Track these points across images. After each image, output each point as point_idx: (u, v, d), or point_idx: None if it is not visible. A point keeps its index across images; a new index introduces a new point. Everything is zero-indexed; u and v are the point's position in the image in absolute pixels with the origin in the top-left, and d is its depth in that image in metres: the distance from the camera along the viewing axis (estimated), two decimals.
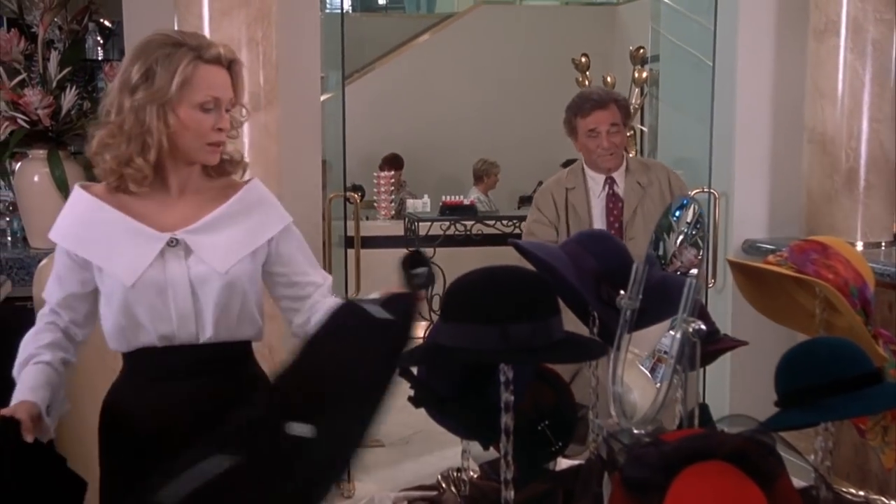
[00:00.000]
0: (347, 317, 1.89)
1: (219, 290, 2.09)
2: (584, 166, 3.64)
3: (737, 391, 4.30)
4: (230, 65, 2.10)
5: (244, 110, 2.21)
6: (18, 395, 2.05)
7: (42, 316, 2.18)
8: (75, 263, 2.12)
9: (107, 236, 2.08)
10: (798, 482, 1.69)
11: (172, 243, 2.07)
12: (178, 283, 2.06)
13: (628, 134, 7.38)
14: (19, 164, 4.00)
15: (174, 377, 2.11)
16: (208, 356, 2.12)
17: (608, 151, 3.54)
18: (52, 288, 2.17)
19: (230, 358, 2.16)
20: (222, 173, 2.18)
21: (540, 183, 4.28)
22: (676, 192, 3.54)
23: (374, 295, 1.95)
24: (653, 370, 1.95)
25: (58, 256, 2.15)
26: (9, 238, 4.20)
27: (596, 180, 3.61)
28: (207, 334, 2.10)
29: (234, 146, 2.21)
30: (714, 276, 4.35)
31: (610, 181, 3.59)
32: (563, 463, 2.13)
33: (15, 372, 2.12)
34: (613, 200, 3.58)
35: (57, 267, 2.16)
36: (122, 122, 2.03)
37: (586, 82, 7.56)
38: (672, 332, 1.79)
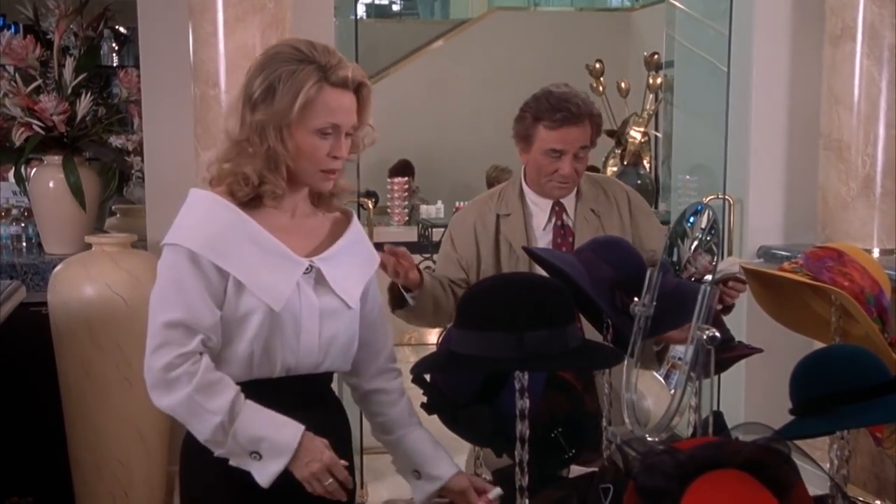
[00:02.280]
0: None
1: (345, 323, 1.97)
2: (524, 187, 2.80)
3: (751, 399, 4.27)
4: (358, 88, 1.91)
5: (374, 133, 2.00)
6: (285, 425, 1.84)
7: (191, 351, 1.82)
8: (221, 279, 1.85)
9: (250, 253, 1.86)
10: (814, 491, 1.67)
11: (308, 270, 1.91)
12: (309, 313, 1.91)
13: (642, 140, 7.39)
14: (34, 170, 4.02)
15: (291, 407, 1.88)
16: (319, 386, 2.01)
17: (569, 180, 2.71)
18: (199, 308, 1.83)
19: (328, 386, 2.06)
20: (329, 207, 2.02)
21: None
22: (640, 217, 2.80)
23: None
24: (667, 377, 1.94)
25: (192, 271, 1.84)
26: (24, 244, 4.22)
27: (540, 207, 2.78)
28: (326, 366, 1.98)
29: (348, 182, 2.04)
30: None
31: (559, 209, 2.78)
32: (577, 470, 2.12)
33: (226, 406, 1.82)
34: (563, 235, 2.76)
35: (197, 283, 1.84)
36: (246, 138, 1.86)
37: (600, 88, 7.56)
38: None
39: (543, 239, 2.77)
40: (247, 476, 1.85)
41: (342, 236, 1.99)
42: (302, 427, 1.85)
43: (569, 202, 2.78)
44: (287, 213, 1.95)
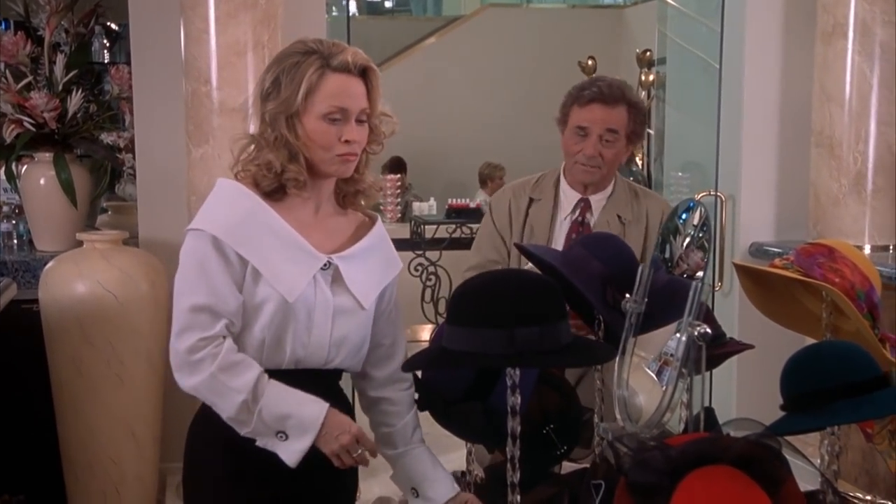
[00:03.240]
0: None
1: (358, 323, 1.98)
2: (562, 175, 2.81)
3: (743, 395, 4.28)
4: (364, 72, 1.93)
5: (392, 120, 2.01)
6: (310, 402, 1.87)
7: (215, 335, 1.85)
8: (241, 265, 1.88)
9: (269, 243, 1.89)
10: (805, 486, 1.68)
11: (326, 266, 1.93)
12: (322, 309, 1.92)
13: None
14: (25, 167, 4.00)
15: None
16: (327, 382, 2.00)
17: (591, 162, 2.68)
18: (223, 293, 1.86)
19: (336, 382, 2.06)
20: (355, 206, 2.05)
21: None
22: None
23: None
24: (659, 373, 1.94)
25: (216, 256, 1.86)
26: (15, 241, 4.21)
27: (569, 197, 2.77)
28: (335, 363, 1.98)
29: (376, 179, 2.07)
30: (721, 280, 4.34)
31: (583, 205, 2.75)
32: (569, 466, 2.12)
33: (250, 385, 1.84)
34: (579, 231, 2.73)
35: (221, 268, 1.87)
36: (263, 131, 1.92)
37: None
38: (678, 336, 1.78)
39: (562, 231, 2.75)
40: (249, 458, 1.88)
41: (364, 237, 2.00)
42: (326, 403, 1.87)
43: (597, 202, 2.75)
44: (311, 209, 1.97)
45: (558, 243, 2.73)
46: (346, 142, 1.91)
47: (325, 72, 1.89)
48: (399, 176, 8.65)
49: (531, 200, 2.79)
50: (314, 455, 1.87)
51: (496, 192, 3.00)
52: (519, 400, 1.74)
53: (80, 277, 3.44)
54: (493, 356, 1.68)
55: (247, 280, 1.88)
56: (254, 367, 1.86)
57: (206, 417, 1.93)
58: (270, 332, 1.90)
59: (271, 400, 1.84)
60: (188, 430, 2.02)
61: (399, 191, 8.51)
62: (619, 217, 2.72)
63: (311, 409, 1.86)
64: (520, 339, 1.66)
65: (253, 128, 2.00)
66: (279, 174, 1.90)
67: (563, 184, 2.79)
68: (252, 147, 1.94)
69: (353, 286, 1.95)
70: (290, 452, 1.85)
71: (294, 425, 1.85)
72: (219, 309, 1.85)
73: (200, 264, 1.87)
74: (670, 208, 2.79)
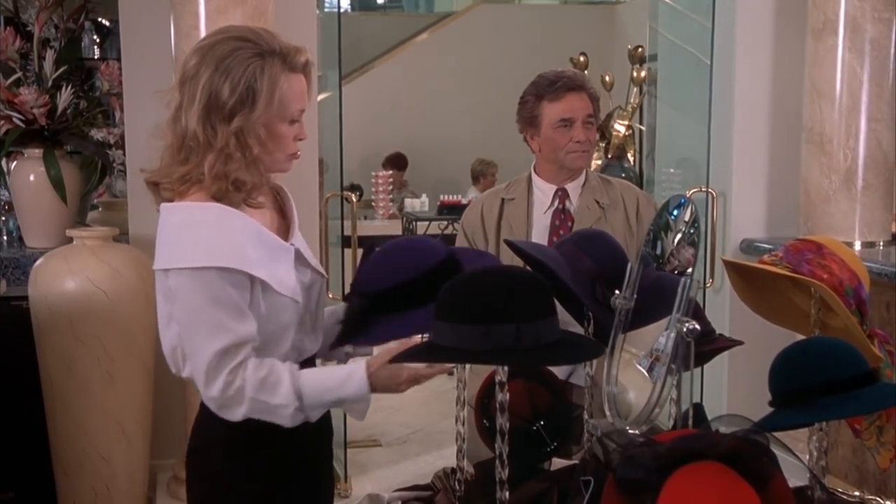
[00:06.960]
0: None
1: (324, 292, 2.02)
2: (534, 174, 2.89)
3: (735, 391, 4.29)
4: (306, 68, 1.91)
5: None
6: (346, 380, 1.86)
7: (239, 362, 1.78)
8: (249, 286, 1.82)
9: (261, 253, 1.84)
10: (794, 482, 1.68)
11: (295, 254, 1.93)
12: (307, 293, 1.92)
13: (626, 133, 7.39)
14: (15, 163, 4.00)
15: None
16: (313, 364, 2.00)
17: (583, 147, 2.78)
18: (241, 325, 1.79)
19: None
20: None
21: None
22: (645, 219, 2.75)
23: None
24: (650, 369, 1.94)
25: (223, 287, 1.77)
26: (4, 237, 4.21)
27: (545, 192, 2.84)
28: (321, 341, 2.00)
29: None
30: (712, 276, 4.34)
31: (562, 194, 2.83)
32: (558, 462, 2.13)
33: (290, 397, 1.80)
34: (562, 218, 2.81)
35: (234, 299, 1.78)
36: (224, 145, 1.81)
37: None
38: (667, 332, 1.78)
39: (542, 223, 2.82)
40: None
41: (292, 212, 2.00)
42: (361, 372, 1.84)
43: (573, 190, 2.83)
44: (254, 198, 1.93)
45: (536, 233, 2.81)
46: (300, 140, 1.91)
47: (289, 75, 1.84)
48: (391, 172, 8.65)
49: (504, 201, 2.87)
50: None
51: (468, 207, 3.03)
52: (507, 396, 1.74)
53: (70, 274, 3.43)
54: (471, 352, 1.68)
55: (256, 298, 1.82)
56: (283, 373, 1.81)
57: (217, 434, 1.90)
58: (296, 338, 1.90)
59: (315, 398, 1.82)
60: (197, 418, 1.97)
61: (392, 187, 8.52)
62: (597, 202, 2.81)
63: (351, 386, 1.84)
64: (496, 336, 1.66)
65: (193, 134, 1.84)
66: (242, 187, 1.84)
67: (537, 180, 2.87)
68: (214, 160, 1.82)
69: (311, 260, 1.97)
70: (358, 413, 1.88)
71: (350, 402, 1.86)
72: (239, 341, 1.78)
73: (214, 303, 1.77)
74: (644, 194, 2.95)
